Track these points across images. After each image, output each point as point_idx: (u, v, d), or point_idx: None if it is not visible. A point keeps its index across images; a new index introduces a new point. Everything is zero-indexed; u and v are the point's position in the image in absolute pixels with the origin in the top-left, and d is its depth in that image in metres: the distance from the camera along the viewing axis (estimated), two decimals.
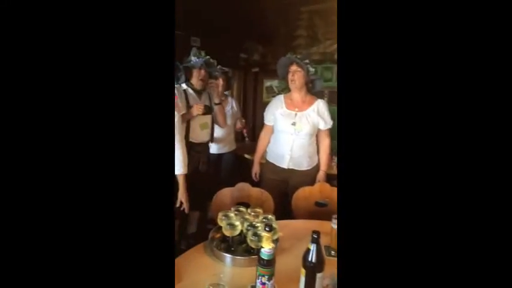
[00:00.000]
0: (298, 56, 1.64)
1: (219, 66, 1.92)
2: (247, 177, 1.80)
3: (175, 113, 1.50)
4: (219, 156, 2.18)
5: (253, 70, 3.73)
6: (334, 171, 1.95)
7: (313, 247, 0.78)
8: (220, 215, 1.09)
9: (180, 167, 1.52)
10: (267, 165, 1.76)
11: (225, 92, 2.19)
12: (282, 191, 1.68)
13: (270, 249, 0.77)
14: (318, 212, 1.49)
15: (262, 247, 0.79)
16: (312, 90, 1.69)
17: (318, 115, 1.63)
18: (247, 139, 2.53)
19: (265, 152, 1.85)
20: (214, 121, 1.90)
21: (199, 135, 1.81)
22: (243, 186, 1.53)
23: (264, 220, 1.09)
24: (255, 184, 1.60)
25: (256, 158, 1.85)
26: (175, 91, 1.62)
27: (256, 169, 1.84)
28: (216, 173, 2.11)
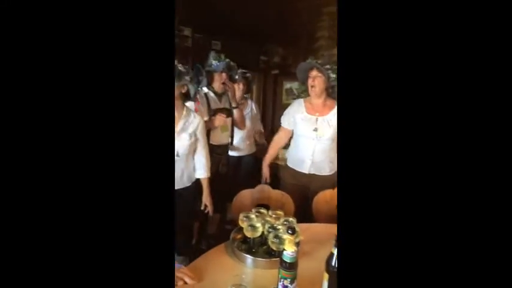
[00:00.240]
0: (319, 61, 1.61)
1: (239, 70, 1.94)
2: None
3: (200, 118, 1.53)
4: (238, 158, 2.20)
5: (273, 72, 3.74)
6: None
7: (336, 252, 0.76)
8: (241, 216, 1.10)
9: (204, 171, 1.55)
10: (287, 170, 1.74)
11: (244, 95, 2.20)
12: (303, 195, 1.65)
13: (292, 252, 0.77)
14: None
15: (284, 249, 0.79)
16: (332, 95, 1.65)
17: None
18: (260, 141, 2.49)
19: (276, 155, 1.83)
20: (233, 123, 1.92)
21: (219, 137, 1.83)
22: (263, 188, 1.54)
23: (285, 222, 1.09)
24: (275, 186, 1.59)
25: (266, 161, 1.81)
26: (197, 96, 1.65)
27: (265, 173, 1.80)
28: (235, 174, 2.12)
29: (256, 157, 2.41)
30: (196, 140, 1.49)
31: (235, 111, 1.85)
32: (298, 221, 1.15)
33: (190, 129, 1.46)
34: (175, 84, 1.37)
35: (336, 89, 1.63)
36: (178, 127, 1.43)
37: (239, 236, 1.10)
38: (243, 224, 1.06)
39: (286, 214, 1.20)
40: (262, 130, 2.40)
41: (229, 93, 1.81)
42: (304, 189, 1.67)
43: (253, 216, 1.10)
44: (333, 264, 0.76)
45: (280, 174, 1.82)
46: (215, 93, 1.82)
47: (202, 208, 1.60)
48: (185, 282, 0.83)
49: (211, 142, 1.76)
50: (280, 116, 1.79)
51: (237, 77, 1.91)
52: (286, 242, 0.80)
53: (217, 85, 1.80)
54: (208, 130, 1.75)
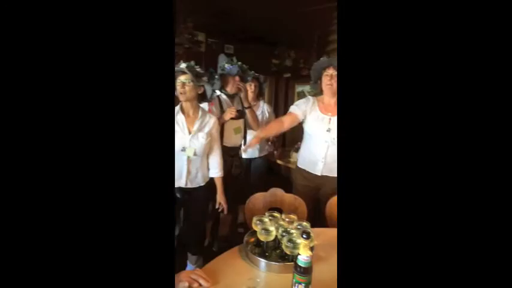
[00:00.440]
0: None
1: (252, 72, 1.95)
2: (278, 182, 1.79)
3: (215, 118, 1.55)
4: (250, 160, 2.21)
5: (285, 75, 3.74)
6: None
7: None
8: (254, 220, 1.10)
9: (218, 170, 1.59)
10: (298, 171, 1.72)
11: (257, 97, 2.21)
12: (314, 198, 1.64)
13: (307, 256, 0.76)
14: None
15: (298, 254, 0.79)
16: None
17: None
18: (271, 147, 2.48)
19: (274, 137, 1.81)
20: (246, 125, 1.93)
21: (232, 139, 1.85)
22: (275, 192, 1.53)
23: (298, 227, 1.08)
24: (287, 190, 1.59)
25: (260, 133, 1.64)
26: (210, 96, 1.67)
27: (252, 143, 1.60)
28: (248, 177, 2.13)
29: (268, 159, 2.41)
30: (211, 140, 1.52)
31: (247, 112, 1.85)
32: (311, 225, 1.14)
33: (207, 129, 1.50)
34: (194, 84, 1.40)
35: None
36: (195, 127, 1.46)
37: (252, 239, 1.10)
38: (257, 228, 1.06)
39: (299, 218, 1.19)
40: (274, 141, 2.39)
41: (241, 94, 1.82)
42: (316, 191, 1.65)
43: (266, 219, 1.10)
44: None
45: (292, 177, 1.80)
46: (227, 95, 1.84)
47: (217, 207, 1.61)
48: (200, 285, 0.84)
49: (224, 144, 1.78)
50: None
51: (249, 78, 1.92)
52: (301, 246, 0.79)
53: (230, 88, 1.82)
54: (222, 132, 1.76)
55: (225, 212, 1.63)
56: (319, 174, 1.62)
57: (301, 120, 1.64)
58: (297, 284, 0.78)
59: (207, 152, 1.55)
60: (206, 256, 1.69)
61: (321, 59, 1.62)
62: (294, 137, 2.70)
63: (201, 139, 1.47)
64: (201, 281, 0.84)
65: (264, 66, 3.44)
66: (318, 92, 1.70)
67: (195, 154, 1.44)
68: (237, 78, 1.80)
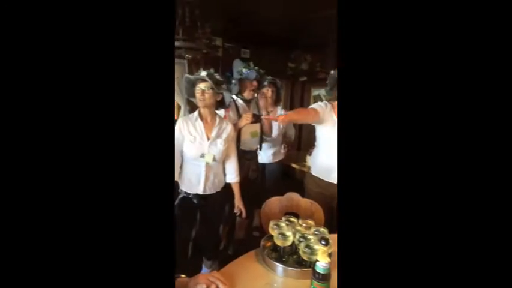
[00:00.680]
0: None
1: (269, 77, 1.96)
2: (293, 187, 1.78)
3: (231, 125, 1.57)
4: (265, 165, 2.21)
5: (301, 79, 3.73)
6: None
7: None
8: (271, 224, 1.10)
9: (235, 175, 1.60)
10: (311, 178, 1.69)
11: (276, 104, 2.20)
12: (329, 205, 1.61)
13: (326, 263, 0.76)
14: None
15: (316, 260, 0.78)
16: None
17: None
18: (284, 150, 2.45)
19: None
20: (261, 130, 1.94)
21: (249, 142, 1.86)
22: (291, 196, 1.53)
23: (316, 232, 1.08)
24: (303, 194, 1.58)
25: (293, 115, 1.57)
26: (228, 103, 1.69)
27: (284, 118, 1.49)
28: (263, 181, 2.13)
29: (284, 164, 2.40)
30: (228, 146, 1.54)
31: (263, 118, 1.86)
32: (328, 231, 1.13)
33: (224, 135, 1.52)
34: (213, 91, 1.43)
35: None
36: (213, 133, 1.49)
37: (269, 244, 1.11)
38: (273, 232, 1.07)
39: (316, 223, 1.19)
40: (293, 137, 2.37)
41: (260, 102, 1.83)
42: (331, 199, 1.62)
43: (283, 224, 1.10)
44: None
45: (304, 183, 1.77)
46: (243, 99, 1.86)
47: (235, 211, 1.63)
48: None
49: (241, 147, 1.79)
50: (307, 124, 1.74)
51: (265, 83, 1.93)
52: (320, 253, 0.79)
53: (247, 93, 1.84)
54: (239, 135, 1.78)
55: (244, 215, 1.64)
56: (334, 182, 1.58)
57: (318, 120, 1.60)
58: None
59: (224, 158, 1.57)
60: (221, 259, 1.71)
61: None
62: (309, 141, 2.69)
63: (220, 145, 1.49)
64: (219, 284, 0.85)
65: (280, 70, 3.44)
66: (332, 98, 1.68)
67: (214, 160, 1.47)
68: (255, 82, 1.81)
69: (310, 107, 1.65)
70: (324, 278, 0.76)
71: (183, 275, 0.85)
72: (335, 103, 1.64)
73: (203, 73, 1.43)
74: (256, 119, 1.80)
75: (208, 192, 1.52)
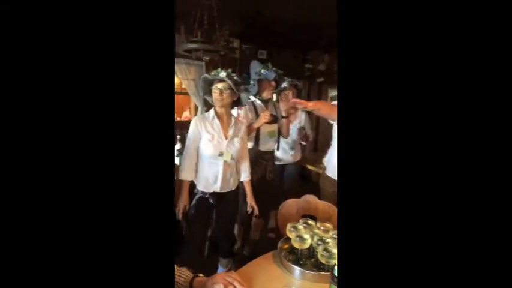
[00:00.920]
0: None
1: (290, 79, 1.95)
2: (310, 189, 1.76)
3: (244, 124, 1.59)
4: (282, 166, 2.20)
5: (318, 80, 3.69)
6: None
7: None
8: (288, 227, 1.09)
9: (248, 174, 1.62)
10: (326, 178, 1.67)
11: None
12: None
13: None
14: None
15: (335, 264, 0.77)
16: None
17: None
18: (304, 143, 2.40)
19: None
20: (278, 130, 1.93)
21: (267, 143, 1.86)
22: (309, 198, 1.51)
23: (334, 236, 1.06)
24: (321, 197, 1.56)
25: (320, 104, 1.48)
26: (246, 103, 1.71)
27: (309, 104, 1.38)
28: (281, 183, 2.12)
29: (300, 165, 2.38)
30: (243, 144, 1.56)
31: (283, 120, 1.86)
32: None
33: (240, 134, 1.54)
34: (231, 91, 1.45)
35: None
36: (230, 132, 1.51)
37: (286, 246, 1.10)
38: (291, 235, 1.06)
39: (334, 227, 1.16)
40: (311, 138, 2.34)
41: (281, 104, 1.82)
42: None
43: (300, 227, 1.09)
44: None
45: (320, 184, 1.75)
46: (262, 100, 1.86)
47: (248, 209, 1.63)
48: None
49: (259, 148, 1.80)
50: (324, 124, 1.74)
51: (285, 84, 1.91)
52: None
53: (265, 93, 1.84)
54: (257, 136, 1.79)
55: (256, 212, 1.64)
56: None
57: (336, 117, 1.57)
58: None
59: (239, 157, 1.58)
60: (237, 260, 1.72)
61: None
62: (326, 142, 2.65)
63: (237, 144, 1.51)
64: (236, 284, 0.85)
65: (297, 70, 3.42)
66: None
67: (232, 158, 1.49)
68: (273, 83, 1.81)
69: (332, 103, 1.63)
70: None
71: (201, 275, 0.86)
72: None
73: (222, 73, 1.44)
74: (274, 119, 1.79)
75: (223, 191, 1.54)
